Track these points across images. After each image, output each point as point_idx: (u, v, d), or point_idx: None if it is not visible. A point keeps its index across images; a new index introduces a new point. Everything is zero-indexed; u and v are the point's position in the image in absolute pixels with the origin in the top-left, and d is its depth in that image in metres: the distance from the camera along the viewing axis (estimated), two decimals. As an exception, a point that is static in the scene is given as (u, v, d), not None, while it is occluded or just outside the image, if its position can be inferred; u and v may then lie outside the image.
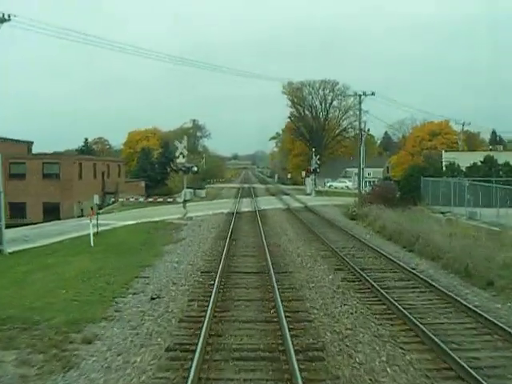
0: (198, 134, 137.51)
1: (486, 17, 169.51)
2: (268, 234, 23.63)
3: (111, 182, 54.22)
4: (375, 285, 13.01)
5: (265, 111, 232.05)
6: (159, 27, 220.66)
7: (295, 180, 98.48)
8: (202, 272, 15.20)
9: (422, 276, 14.20)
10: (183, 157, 29.70)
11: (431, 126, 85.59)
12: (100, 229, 26.33)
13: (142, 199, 48.26)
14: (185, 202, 30.06)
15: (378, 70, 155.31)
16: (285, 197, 54.04)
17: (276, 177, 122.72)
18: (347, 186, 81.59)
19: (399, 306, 11.01)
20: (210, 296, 11.54)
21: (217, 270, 14.52)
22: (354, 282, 14.04)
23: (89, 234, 22.36)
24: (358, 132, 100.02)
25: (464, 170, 38.09)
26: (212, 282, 13.18)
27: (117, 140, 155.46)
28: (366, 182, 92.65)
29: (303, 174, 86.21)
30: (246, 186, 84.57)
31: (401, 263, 16.21)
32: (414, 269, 15.40)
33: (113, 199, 48.92)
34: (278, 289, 12.22)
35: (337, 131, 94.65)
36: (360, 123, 46.51)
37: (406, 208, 32.76)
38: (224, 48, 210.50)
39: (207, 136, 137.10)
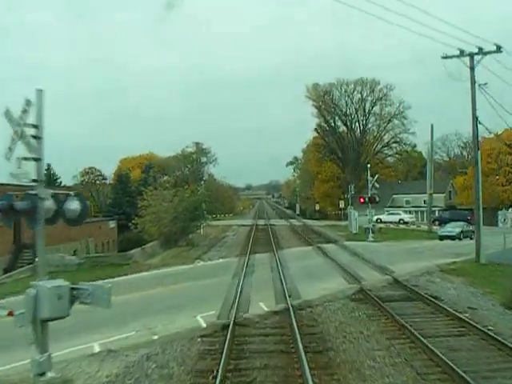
0: (203, 159, 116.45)
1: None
2: None
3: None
4: None
5: (279, 140, 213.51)
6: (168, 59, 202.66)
7: (325, 213, 76.06)
8: None
9: None
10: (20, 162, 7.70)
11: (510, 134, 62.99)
12: None
13: (74, 261, 26.43)
14: None
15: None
16: (328, 246, 31.53)
17: (298, 208, 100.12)
18: (402, 220, 58.81)
19: None
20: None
21: None
22: None
23: None
24: (403, 148, 78.05)
25: None
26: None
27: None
28: (423, 212, 70.07)
29: (341, 204, 64.15)
30: (261, 222, 62.33)
31: None
32: None
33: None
34: None
35: (378, 146, 72.41)
36: (474, 107, 24.20)
37: None
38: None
39: (213, 162, 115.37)
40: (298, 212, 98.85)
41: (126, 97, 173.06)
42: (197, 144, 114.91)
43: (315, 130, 72.98)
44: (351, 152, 68.84)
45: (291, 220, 70.26)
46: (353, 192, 64.98)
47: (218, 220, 74.65)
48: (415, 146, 77.18)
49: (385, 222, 57.14)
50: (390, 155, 73.70)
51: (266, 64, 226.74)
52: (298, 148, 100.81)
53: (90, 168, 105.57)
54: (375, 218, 59.99)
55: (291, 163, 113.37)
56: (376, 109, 69.46)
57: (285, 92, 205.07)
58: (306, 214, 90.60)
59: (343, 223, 58.63)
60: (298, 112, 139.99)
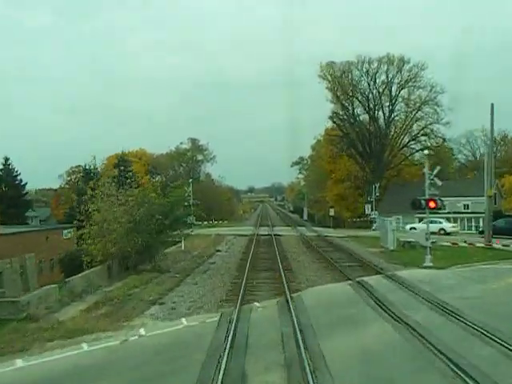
0: (199, 157, 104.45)
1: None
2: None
3: None
4: None
5: (281, 142, 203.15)
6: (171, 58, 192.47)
7: (340, 219, 63.51)
8: None
9: None
10: None
11: None
12: None
13: None
14: None
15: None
16: (375, 280, 19.11)
17: (306, 213, 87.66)
18: (444, 230, 46.23)
19: None
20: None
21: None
22: None
23: None
24: (434, 142, 65.61)
25: None
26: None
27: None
28: (463, 219, 57.92)
29: (367, 209, 51.91)
30: (263, 231, 50.02)
31: None
32: None
33: None
34: None
35: (405, 140, 59.85)
36: None
37: None
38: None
39: (211, 160, 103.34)
40: (306, 217, 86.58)
41: (126, 97, 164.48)
42: (193, 140, 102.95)
43: (330, 117, 60.18)
44: (374, 145, 56.50)
45: (300, 228, 57.76)
46: (377, 194, 52.93)
47: (213, 227, 62.46)
48: (444, 140, 64.79)
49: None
50: (417, 150, 61.10)
51: (266, 65, 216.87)
52: (302, 149, 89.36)
53: (76, 167, 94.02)
54: (408, 226, 48.02)
55: (297, 163, 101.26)
56: (404, 93, 57.02)
57: (288, 94, 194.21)
58: (315, 220, 78.46)
59: (368, 233, 46.45)
60: (300, 114, 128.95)
